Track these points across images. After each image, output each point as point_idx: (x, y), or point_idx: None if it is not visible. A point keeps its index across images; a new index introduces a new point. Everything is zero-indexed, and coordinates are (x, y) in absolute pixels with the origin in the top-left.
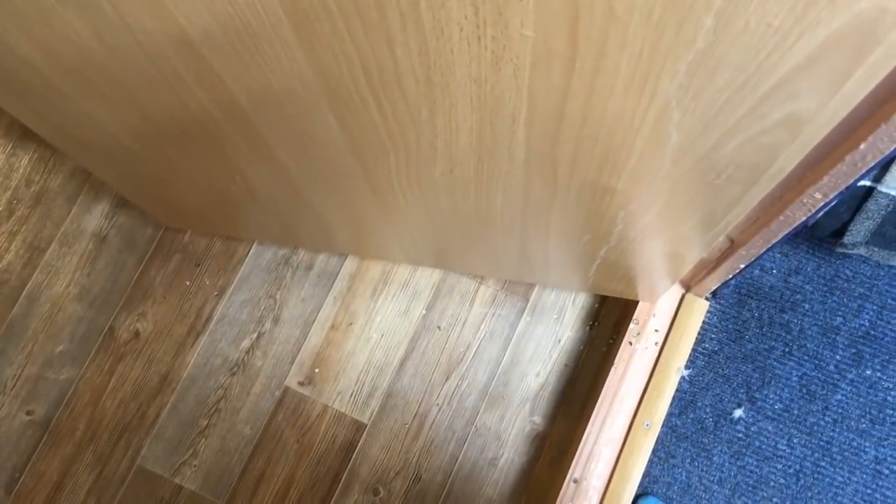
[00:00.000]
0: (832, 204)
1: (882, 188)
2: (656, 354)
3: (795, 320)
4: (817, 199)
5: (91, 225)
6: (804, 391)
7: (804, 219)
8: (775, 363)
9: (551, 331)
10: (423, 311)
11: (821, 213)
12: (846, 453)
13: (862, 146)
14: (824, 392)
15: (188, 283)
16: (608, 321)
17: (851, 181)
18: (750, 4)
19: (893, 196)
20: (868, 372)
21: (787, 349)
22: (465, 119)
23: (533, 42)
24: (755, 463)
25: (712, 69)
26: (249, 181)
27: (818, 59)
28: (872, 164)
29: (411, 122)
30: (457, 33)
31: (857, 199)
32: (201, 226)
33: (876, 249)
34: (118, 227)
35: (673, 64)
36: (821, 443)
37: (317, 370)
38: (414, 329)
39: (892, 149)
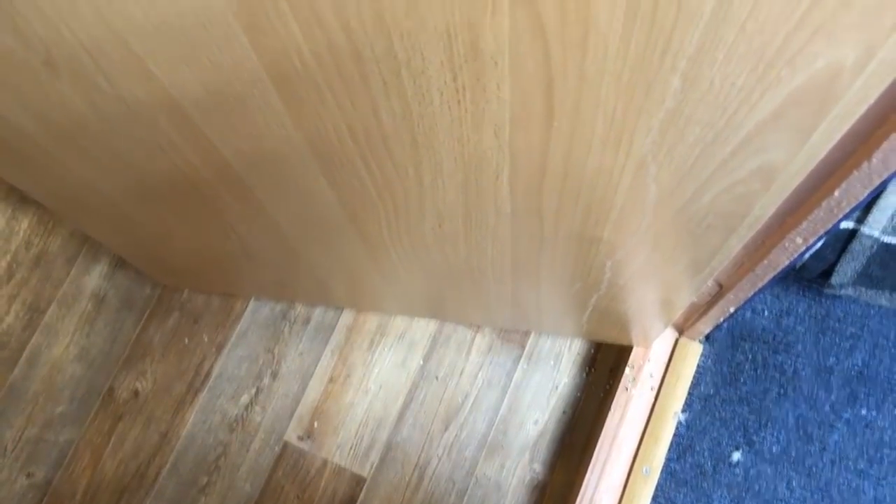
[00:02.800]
0: (816, 247)
1: (865, 230)
2: (653, 399)
3: (789, 361)
4: (798, 243)
5: (90, 286)
6: (801, 432)
7: (788, 262)
8: (771, 405)
9: (548, 378)
10: (421, 362)
11: (806, 256)
12: (845, 494)
13: (836, 193)
14: (821, 433)
15: (187, 340)
16: (604, 367)
17: (830, 225)
18: (714, 65)
19: (877, 237)
20: (863, 411)
21: (782, 390)
22: (451, 176)
23: (510, 104)
24: None
25: (683, 126)
26: (244, 239)
27: (783, 115)
28: (848, 209)
29: (399, 180)
30: (437, 97)
31: (841, 241)
32: (198, 283)
33: (863, 290)
34: (116, 287)
35: (646, 122)
36: (820, 485)
37: (316, 424)
38: (412, 380)
39: (865, 194)
